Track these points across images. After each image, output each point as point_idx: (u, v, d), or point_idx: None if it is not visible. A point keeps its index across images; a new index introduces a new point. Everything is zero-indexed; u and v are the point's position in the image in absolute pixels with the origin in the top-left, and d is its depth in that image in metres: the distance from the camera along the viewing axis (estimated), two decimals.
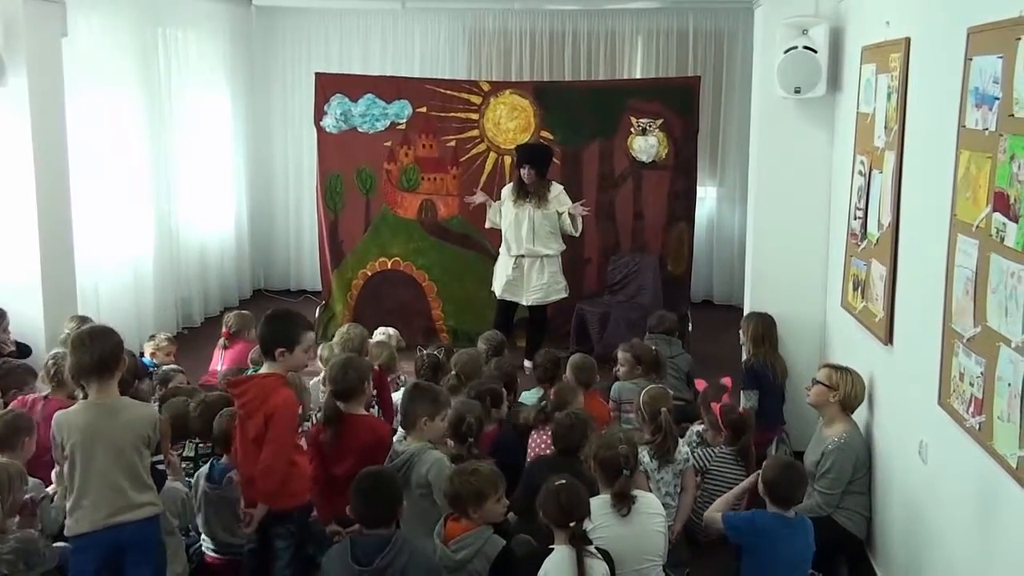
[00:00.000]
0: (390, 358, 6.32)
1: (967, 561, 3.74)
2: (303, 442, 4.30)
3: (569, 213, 8.02)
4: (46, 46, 6.74)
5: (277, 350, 4.17)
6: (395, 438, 4.75)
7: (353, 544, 3.75)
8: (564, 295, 8.35)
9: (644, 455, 4.89)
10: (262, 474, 4.09)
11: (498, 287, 8.35)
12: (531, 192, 8.03)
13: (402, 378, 6.53)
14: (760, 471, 4.38)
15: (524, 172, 8.02)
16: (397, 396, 5.88)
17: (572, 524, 3.72)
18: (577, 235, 8.22)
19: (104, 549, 3.87)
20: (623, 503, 4.09)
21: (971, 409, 3.60)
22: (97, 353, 3.85)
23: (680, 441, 5.16)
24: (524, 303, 8.25)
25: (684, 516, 5.08)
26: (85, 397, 3.97)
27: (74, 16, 7.20)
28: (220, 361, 6.86)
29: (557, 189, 8.17)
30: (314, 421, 5.17)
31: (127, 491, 3.86)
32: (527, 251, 8.13)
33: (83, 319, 6.27)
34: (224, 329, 7.02)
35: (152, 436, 3.93)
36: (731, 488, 5.15)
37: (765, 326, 6.39)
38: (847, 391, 5.05)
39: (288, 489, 4.17)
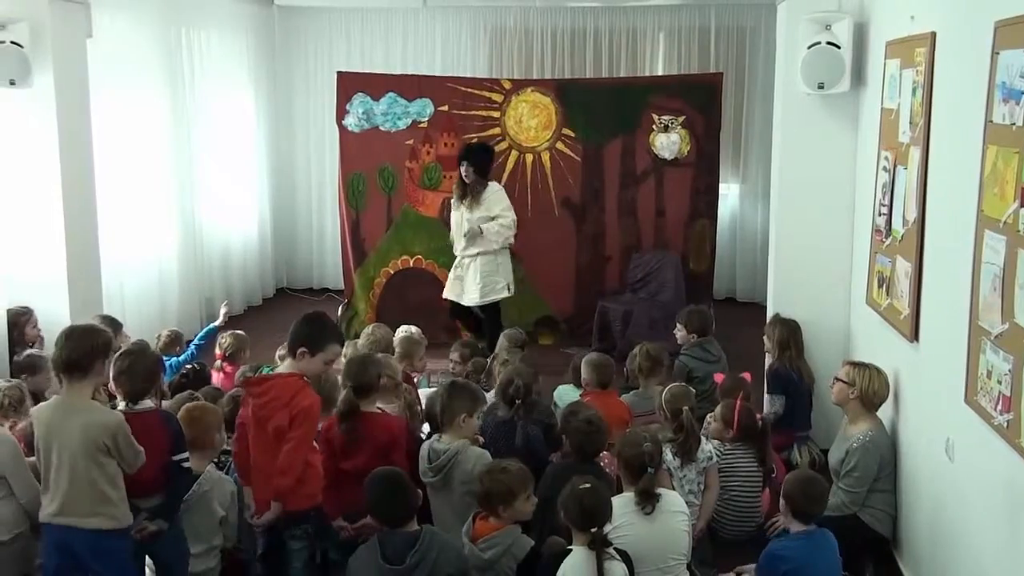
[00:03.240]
0: (413, 353, 6.34)
1: (995, 560, 3.71)
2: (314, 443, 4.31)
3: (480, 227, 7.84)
4: (71, 47, 6.79)
5: (299, 349, 4.19)
6: (433, 439, 4.73)
7: (381, 543, 3.75)
8: (506, 294, 8.05)
9: (667, 453, 4.90)
10: (280, 472, 4.11)
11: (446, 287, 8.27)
12: (466, 192, 7.89)
13: (429, 378, 6.54)
14: (782, 486, 4.33)
15: (463, 170, 7.86)
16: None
17: (593, 529, 3.70)
18: (496, 247, 7.90)
19: (56, 546, 3.84)
20: (647, 501, 4.08)
21: (999, 407, 3.57)
22: (67, 352, 3.81)
23: (703, 439, 5.16)
24: (463, 303, 8.08)
25: (708, 514, 5.08)
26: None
27: (99, 17, 7.25)
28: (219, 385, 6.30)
29: (492, 189, 7.97)
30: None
31: (77, 496, 3.79)
32: (463, 252, 8.01)
33: (107, 318, 6.31)
34: (219, 351, 6.64)
35: (112, 446, 3.79)
36: (750, 486, 5.13)
37: (790, 331, 6.34)
38: (865, 387, 5.01)
39: (304, 489, 4.19)
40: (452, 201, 8.11)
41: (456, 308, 8.21)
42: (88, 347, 3.85)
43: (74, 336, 3.87)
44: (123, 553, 3.93)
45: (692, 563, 4.43)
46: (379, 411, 4.80)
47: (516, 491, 3.98)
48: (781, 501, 4.31)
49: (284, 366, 4.32)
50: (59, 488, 3.80)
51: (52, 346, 6.23)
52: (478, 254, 7.91)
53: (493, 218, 7.85)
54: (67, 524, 3.81)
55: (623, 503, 4.11)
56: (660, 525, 4.12)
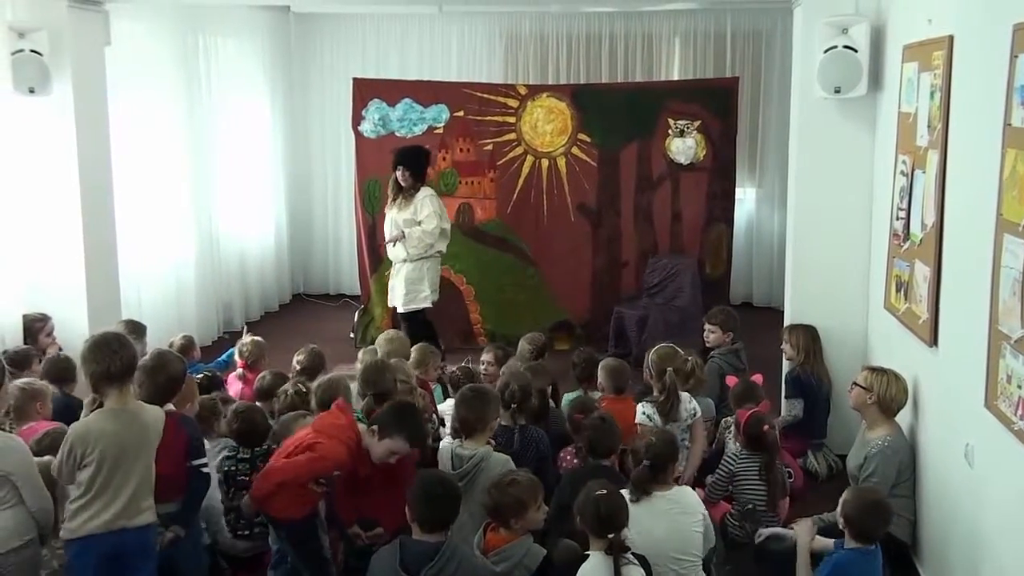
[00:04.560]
0: (428, 361, 6.34)
1: (1016, 565, 3.68)
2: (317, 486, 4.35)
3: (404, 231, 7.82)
4: (90, 54, 6.85)
5: (373, 426, 4.27)
6: (451, 443, 4.72)
7: (403, 549, 3.69)
8: (426, 304, 8.00)
9: (652, 413, 5.21)
10: (263, 475, 4.29)
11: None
12: (399, 193, 7.85)
13: (446, 387, 6.53)
14: (840, 503, 4.23)
15: (399, 174, 7.82)
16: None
17: (611, 535, 3.70)
18: (415, 252, 7.85)
19: (105, 552, 3.87)
20: (637, 491, 4.14)
21: (1019, 412, 3.55)
22: (121, 360, 3.85)
23: (688, 397, 5.35)
24: (392, 305, 8.07)
25: (695, 465, 5.31)
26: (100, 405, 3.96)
27: (117, 24, 7.31)
28: (239, 395, 6.27)
29: (424, 193, 7.88)
30: None
31: (136, 496, 3.88)
32: (391, 255, 8.01)
33: (132, 323, 6.33)
34: (240, 360, 6.59)
35: (157, 438, 3.95)
36: (755, 495, 5.09)
37: (811, 337, 6.34)
38: (883, 392, 4.99)
39: (278, 503, 4.27)
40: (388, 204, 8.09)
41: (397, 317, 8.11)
42: (134, 353, 3.96)
43: (121, 345, 3.92)
44: (156, 545, 4.03)
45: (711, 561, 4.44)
46: None
47: (527, 502, 3.94)
48: (840, 520, 4.18)
49: (360, 426, 4.37)
50: (122, 493, 3.85)
51: (71, 353, 6.46)
52: (405, 260, 7.89)
53: (419, 223, 7.82)
54: (122, 527, 3.85)
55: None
56: (673, 524, 4.13)
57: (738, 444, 5.30)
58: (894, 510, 4.84)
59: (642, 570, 3.73)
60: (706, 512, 4.34)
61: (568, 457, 5.15)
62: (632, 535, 3.93)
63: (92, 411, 4.00)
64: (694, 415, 5.32)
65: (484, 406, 4.60)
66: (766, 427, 5.12)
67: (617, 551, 3.66)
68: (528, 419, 5.06)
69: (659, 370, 5.30)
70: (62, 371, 5.65)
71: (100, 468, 3.82)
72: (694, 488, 4.72)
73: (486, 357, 6.57)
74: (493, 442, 4.72)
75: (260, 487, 4.26)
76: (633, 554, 3.76)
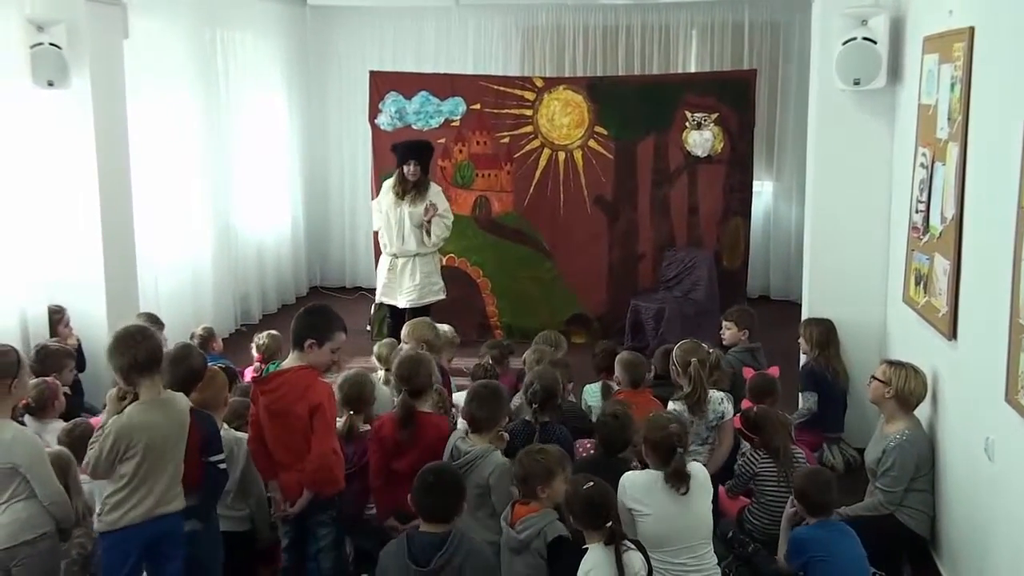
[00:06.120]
0: (443, 351, 6.34)
1: None
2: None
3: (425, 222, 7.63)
4: (108, 48, 6.87)
5: (307, 342, 4.22)
6: (458, 435, 4.72)
7: (410, 541, 3.71)
8: (441, 296, 7.90)
9: (683, 408, 5.14)
10: (319, 465, 4.17)
11: (378, 290, 8.06)
12: (410, 189, 7.66)
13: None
14: (792, 491, 4.40)
15: (409, 169, 7.62)
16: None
17: (609, 524, 3.71)
18: (429, 245, 7.74)
19: (144, 540, 3.91)
20: (681, 481, 4.09)
21: None
22: (144, 352, 3.88)
23: (719, 398, 5.27)
24: (399, 305, 7.83)
25: (714, 468, 5.15)
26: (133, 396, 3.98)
27: (134, 18, 7.32)
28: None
29: (436, 189, 7.82)
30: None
31: (171, 484, 3.95)
32: (399, 250, 7.78)
33: (150, 316, 6.36)
34: (258, 354, 6.62)
35: (187, 426, 4.00)
36: (781, 490, 5.08)
37: (827, 331, 6.32)
38: (900, 386, 4.96)
39: (333, 476, 4.27)
40: (385, 201, 7.81)
41: (395, 318, 7.85)
42: (158, 344, 4.00)
43: (144, 336, 3.95)
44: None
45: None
46: (428, 411, 4.80)
47: (554, 470, 3.99)
48: (797, 503, 4.34)
49: (291, 359, 4.32)
50: (159, 482, 3.90)
51: (88, 344, 6.50)
52: (416, 255, 7.76)
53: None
54: (161, 514, 3.91)
55: (650, 481, 4.14)
56: (688, 506, 4.13)
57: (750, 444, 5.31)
58: (910, 504, 4.88)
59: (641, 556, 3.73)
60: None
61: (581, 451, 5.14)
62: (648, 512, 4.02)
63: (120, 404, 3.98)
64: (722, 417, 5.24)
65: (497, 405, 4.60)
66: (756, 410, 5.17)
67: (618, 539, 3.67)
68: (552, 418, 5.06)
69: (683, 363, 5.25)
70: (43, 362, 5.72)
71: (144, 460, 3.85)
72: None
73: (486, 360, 6.56)
74: (507, 435, 4.73)
75: (329, 478, 4.23)
76: (630, 540, 3.76)
